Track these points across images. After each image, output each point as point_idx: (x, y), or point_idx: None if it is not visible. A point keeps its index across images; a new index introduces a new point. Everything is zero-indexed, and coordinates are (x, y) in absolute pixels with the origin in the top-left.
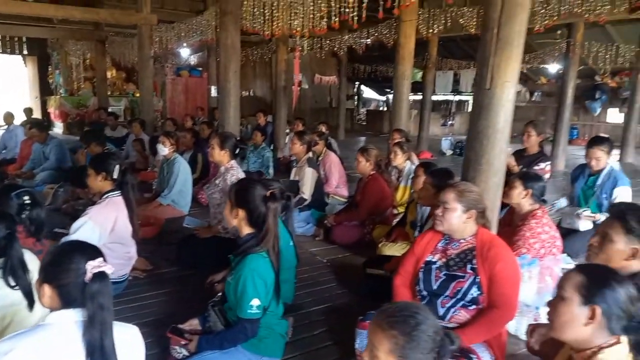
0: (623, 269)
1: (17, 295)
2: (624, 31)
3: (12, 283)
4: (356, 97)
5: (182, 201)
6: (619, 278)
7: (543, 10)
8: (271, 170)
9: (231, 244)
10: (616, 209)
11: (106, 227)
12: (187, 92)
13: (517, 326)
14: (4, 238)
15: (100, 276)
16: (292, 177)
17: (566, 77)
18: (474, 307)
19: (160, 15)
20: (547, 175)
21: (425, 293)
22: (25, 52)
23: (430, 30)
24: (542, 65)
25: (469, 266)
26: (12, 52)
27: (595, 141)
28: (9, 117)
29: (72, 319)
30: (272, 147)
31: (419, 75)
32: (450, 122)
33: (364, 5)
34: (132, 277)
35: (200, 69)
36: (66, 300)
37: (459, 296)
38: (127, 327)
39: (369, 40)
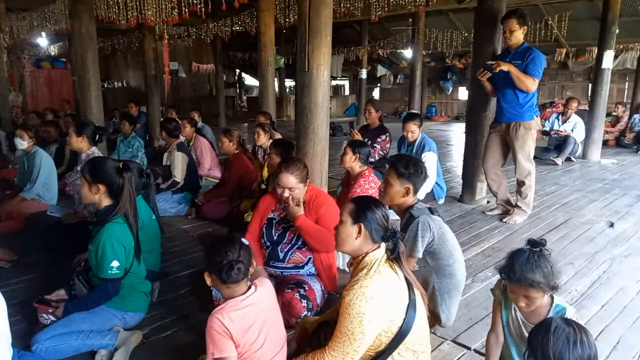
0: (404, 204)
1: None
2: (464, 19)
3: None
4: (237, 85)
5: (47, 194)
6: (377, 203)
7: (377, 2)
8: (143, 160)
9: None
10: (390, 160)
11: None
12: (51, 84)
13: (344, 262)
14: None
15: None
16: (164, 163)
17: (414, 61)
18: (305, 247)
19: (12, 3)
20: (387, 145)
21: (268, 244)
22: None
23: (288, 20)
24: (399, 50)
25: None
26: None
27: (409, 117)
28: None
29: None
30: (147, 137)
31: (281, 62)
32: None
33: None
34: None
35: (64, 59)
36: None
37: (293, 242)
38: None
39: (233, 28)
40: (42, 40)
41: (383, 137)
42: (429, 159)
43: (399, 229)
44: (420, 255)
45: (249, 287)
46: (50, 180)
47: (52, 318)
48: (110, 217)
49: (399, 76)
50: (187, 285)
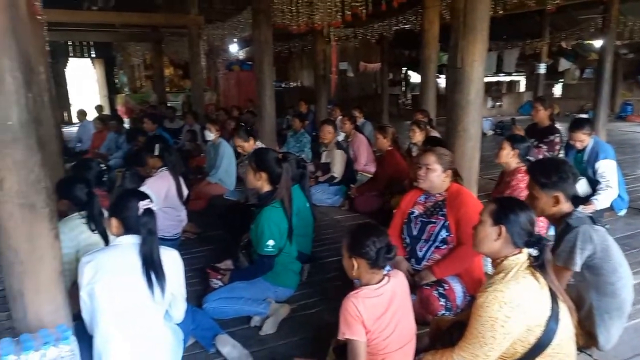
0: (557, 213)
1: (97, 237)
2: None
3: (93, 228)
4: (403, 83)
5: (227, 180)
6: (523, 206)
7: None
8: (309, 154)
9: None
10: (528, 169)
11: (160, 194)
12: (239, 85)
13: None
14: (86, 195)
15: (149, 211)
16: (323, 160)
17: (603, 52)
18: (444, 246)
19: (209, 14)
20: (556, 147)
21: (408, 239)
22: (93, 55)
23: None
24: (586, 42)
25: (440, 213)
26: (82, 56)
27: (577, 126)
28: (81, 114)
29: (131, 241)
30: (314, 133)
31: (444, 58)
32: (498, 103)
33: None
34: (184, 237)
35: (251, 62)
36: (127, 228)
37: (432, 239)
38: (170, 250)
39: (398, 27)
40: (233, 46)
41: (551, 137)
42: (606, 167)
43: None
44: (577, 268)
45: (382, 278)
46: (231, 168)
47: (220, 283)
48: (269, 201)
49: (587, 70)
50: (335, 271)
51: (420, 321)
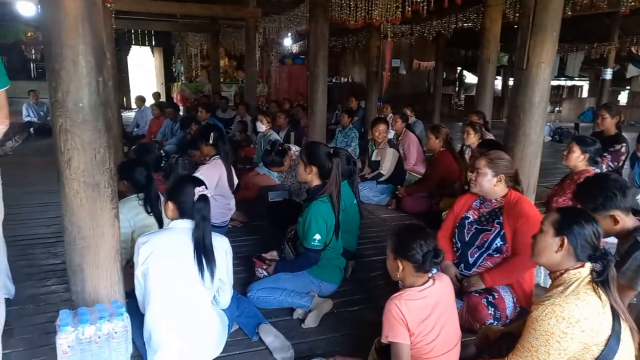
0: (621, 230)
1: (152, 219)
2: None
3: (149, 210)
4: (457, 83)
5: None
6: (588, 218)
7: None
8: (356, 150)
9: None
10: (574, 194)
11: (212, 181)
12: (290, 78)
13: (545, 279)
14: (145, 178)
15: (203, 197)
16: (373, 158)
17: None
18: (498, 255)
19: (267, 7)
20: (622, 157)
21: (459, 244)
22: (153, 43)
23: (517, 15)
24: None
25: (496, 221)
26: (143, 44)
27: None
28: (139, 100)
29: (185, 225)
30: (362, 130)
31: (505, 59)
32: (558, 108)
33: None
34: (232, 225)
35: (303, 56)
36: (182, 213)
37: (485, 246)
38: (221, 237)
39: (457, 25)
40: (287, 40)
41: (617, 146)
42: None
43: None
44: None
45: (427, 280)
46: None
47: (265, 273)
48: (318, 195)
49: None
50: (378, 270)
51: (466, 328)
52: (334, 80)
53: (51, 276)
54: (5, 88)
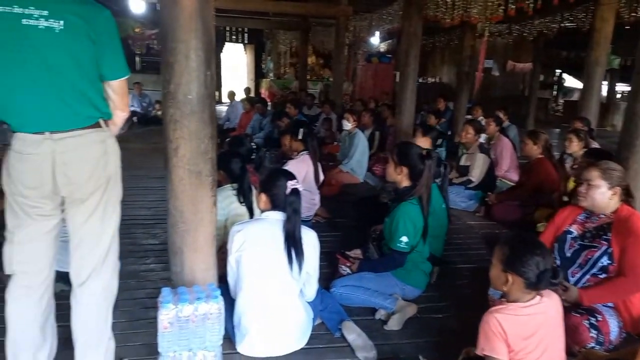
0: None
1: (244, 209)
2: None
3: (242, 200)
4: (555, 86)
5: (359, 170)
6: None
7: None
8: (442, 153)
9: None
10: None
11: (299, 176)
12: (376, 77)
13: None
14: (240, 169)
15: (295, 191)
16: (462, 163)
17: None
18: (603, 275)
19: (357, 6)
20: None
21: (558, 260)
22: (245, 41)
23: (633, 14)
24: None
25: (603, 237)
26: (237, 41)
27: None
28: (231, 95)
29: (277, 217)
30: (449, 132)
31: (615, 62)
32: None
33: None
34: (315, 220)
35: (390, 55)
36: (274, 205)
37: (588, 265)
38: (310, 230)
39: (562, 24)
40: (375, 39)
41: None
42: None
43: None
44: None
45: (534, 297)
46: (363, 159)
47: (348, 271)
48: (407, 197)
49: None
50: (465, 278)
51: (566, 350)
52: (420, 80)
53: (150, 255)
54: (126, 77)
